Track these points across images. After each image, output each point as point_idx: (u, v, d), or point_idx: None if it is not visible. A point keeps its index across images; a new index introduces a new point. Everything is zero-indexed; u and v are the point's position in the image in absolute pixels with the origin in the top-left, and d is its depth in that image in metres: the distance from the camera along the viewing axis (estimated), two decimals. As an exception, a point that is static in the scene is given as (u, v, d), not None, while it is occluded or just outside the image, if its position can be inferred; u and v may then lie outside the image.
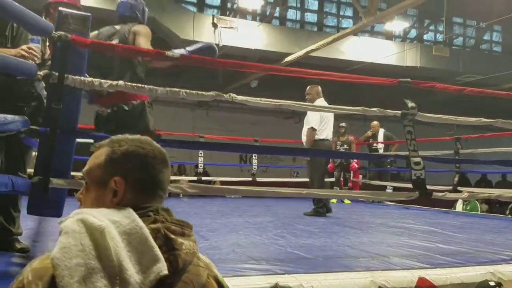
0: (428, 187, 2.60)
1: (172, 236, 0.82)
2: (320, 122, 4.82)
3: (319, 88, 5.01)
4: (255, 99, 2.45)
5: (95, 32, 2.69)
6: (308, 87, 5.01)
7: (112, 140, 0.93)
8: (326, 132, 4.89)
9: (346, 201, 7.09)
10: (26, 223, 3.40)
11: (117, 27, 2.74)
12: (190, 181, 7.34)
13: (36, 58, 2.13)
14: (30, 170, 2.20)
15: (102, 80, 2.18)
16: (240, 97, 2.40)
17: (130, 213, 0.81)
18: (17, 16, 1.89)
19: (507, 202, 7.85)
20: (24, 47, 2.11)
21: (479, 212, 7.16)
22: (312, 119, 4.83)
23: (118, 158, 0.90)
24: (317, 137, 4.83)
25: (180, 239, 0.83)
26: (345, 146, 7.16)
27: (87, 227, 0.75)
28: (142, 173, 0.90)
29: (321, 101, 4.85)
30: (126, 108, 2.57)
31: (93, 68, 2.44)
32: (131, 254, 0.75)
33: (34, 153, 2.39)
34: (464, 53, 12.26)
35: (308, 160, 5.14)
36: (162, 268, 0.76)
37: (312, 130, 4.83)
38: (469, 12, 11.90)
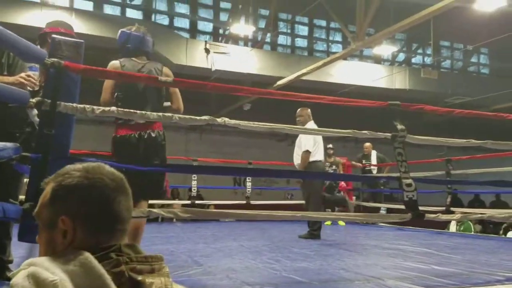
0: (421, 208, 2.61)
1: (139, 277, 0.75)
2: (313, 144, 4.87)
3: (309, 110, 5.08)
4: (248, 123, 2.47)
5: (117, 65, 2.64)
6: (299, 109, 5.06)
7: (58, 173, 0.84)
8: (318, 154, 4.93)
9: (341, 222, 7.07)
10: (18, 251, 3.35)
11: (140, 61, 2.71)
12: (183, 205, 7.29)
13: (35, 86, 2.14)
14: (22, 197, 2.18)
15: (94, 107, 2.20)
16: (233, 121, 2.42)
17: (87, 259, 0.72)
18: (10, 43, 1.91)
19: (500, 222, 7.87)
20: (23, 74, 2.13)
21: (472, 233, 7.16)
22: (306, 142, 4.88)
23: (62, 194, 0.80)
24: (310, 159, 4.87)
25: (149, 279, 0.76)
26: (333, 167, 7.21)
27: (38, 283, 0.68)
28: (90, 208, 0.79)
29: (312, 124, 4.91)
30: (153, 134, 2.61)
31: (124, 100, 2.52)
32: None
33: (25, 180, 2.38)
34: (452, 75, 12.50)
35: (303, 182, 5.15)
36: None
37: (307, 153, 4.87)
38: (456, 36, 12.19)
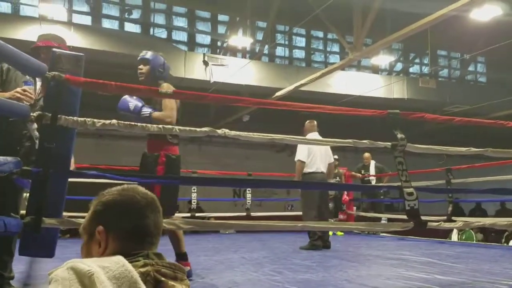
0: (422, 217, 2.60)
1: (163, 279, 0.83)
2: (307, 155, 4.87)
3: (313, 123, 5.09)
4: (248, 134, 2.47)
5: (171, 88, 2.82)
6: (306, 121, 5.10)
7: (101, 192, 0.97)
8: (316, 165, 4.91)
9: (339, 233, 7.06)
10: (18, 266, 3.32)
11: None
12: (183, 217, 7.25)
13: (30, 100, 2.15)
14: (22, 212, 2.17)
15: (95, 120, 2.20)
16: (233, 133, 2.42)
17: (120, 258, 0.81)
18: (11, 58, 1.93)
19: (502, 231, 7.84)
20: (19, 89, 2.13)
21: (474, 241, 7.13)
22: (299, 152, 4.89)
23: (101, 209, 0.93)
24: (306, 170, 4.87)
25: (171, 282, 0.84)
26: (337, 179, 7.22)
27: (77, 273, 0.76)
28: (123, 221, 0.91)
29: (313, 135, 4.91)
30: (174, 157, 2.90)
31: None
32: None
33: (25, 194, 2.37)
34: (450, 84, 12.57)
35: (301, 194, 5.14)
36: None
37: (299, 162, 4.87)
38: (453, 45, 12.29)
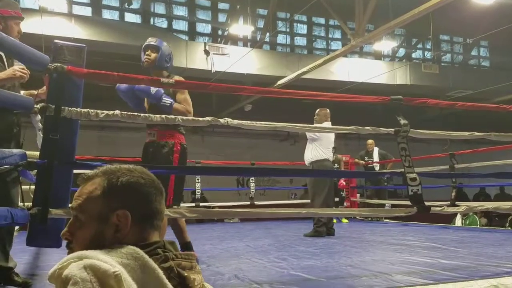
0: (426, 203, 2.61)
1: (185, 274, 0.79)
2: (329, 142, 4.93)
3: (328, 111, 5.07)
4: (251, 122, 2.48)
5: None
6: (318, 109, 5.10)
7: (107, 170, 0.86)
8: (328, 153, 4.95)
9: (344, 220, 7.09)
10: (24, 256, 3.37)
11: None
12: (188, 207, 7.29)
13: (26, 77, 2.15)
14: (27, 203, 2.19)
15: (98, 111, 2.21)
16: (236, 121, 2.43)
17: (139, 253, 0.74)
18: (15, 50, 1.93)
19: (506, 215, 7.85)
20: (17, 67, 2.12)
21: (478, 226, 7.15)
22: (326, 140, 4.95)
23: (120, 190, 0.82)
24: (321, 157, 4.87)
25: (192, 275, 0.80)
26: (336, 165, 7.21)
27: (99, 275, 0.67)
28: (145, 205, 0.84)
29: (327, 124, 4.89)
30: (185, 146, 2.96)
31: None
32: None
33: (30, 186, 2.39)
34: (453, 69, 12.48)
35: (311, 181, 5.14)
36: None
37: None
38: (455, 30, 12.18)
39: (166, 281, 0.73)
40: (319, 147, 4.90)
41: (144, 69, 2.99)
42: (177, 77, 2.87)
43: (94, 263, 0.68)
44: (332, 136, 5.04)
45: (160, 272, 0.73)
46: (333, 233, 4.95)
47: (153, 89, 2.77)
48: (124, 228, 0.81)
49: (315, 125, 4.62)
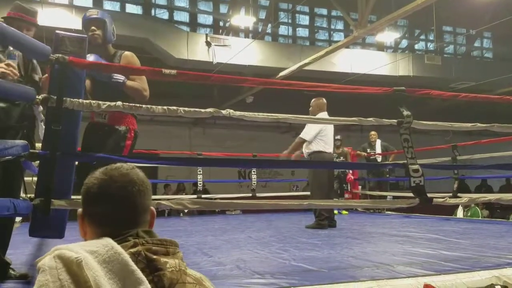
0: (428, 194, 2.61)
1: (154, 256, 0.81)
2: (314, 135, 4.83)
3: (323, 100, 4.98)
4: (253, 114, 2.47)
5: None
6: (313, 99, 5.01)
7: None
8: (323, 145, 4.86)
9: (344, 212, 7.10)
10: (27, 248, 3.39)
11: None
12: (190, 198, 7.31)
13: (15, 76, 2.07)
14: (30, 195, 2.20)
15: (100, 102, 2.20)
16: (238, 113, 2.42)
17: (108, 241, 0.80)
18: (15, 40, 1.92)
19: (509, 207, 7.85)
20: (1, 64, 2.08)
21: (480, 218, 7.15)
22: (306, 130, 4.86)
23: (82, 193, 0.92)
24: (317, 148, 4.83)
25: (164, 259, 0.82)
26: (341, 158, 7.22)
27: (64, 261, 0.73)
28: (92, 205, 0.89)
29: (323, 115, 4.82)
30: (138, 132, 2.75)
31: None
32: (113, 281, 0.74)
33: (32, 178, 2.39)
34: (455, 60, 12.42)
35: (310, 173, 5.12)
36: None
37: (300, 139, 4.87)
38: (458, 21, 12.10)
39: (132, 263, 0.77)
40: (316, 139, 4.86)
41: (90, 48, 2.51)
42: (128, 53, 2.73)
43: (61, 253, 0.75)
44: (329, 127, 4.93)
45: (126, 256, 0.77)
46: (334, 224, 4.95)
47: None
48: (80, 228, 0.91)
49: (319, 116, 4.60)
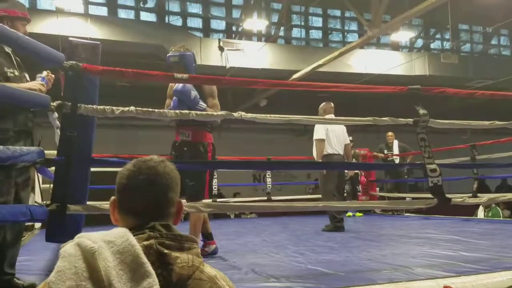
0: (448, 195, 2.55)
1: (166, 251, 0.84)
2: (324, 134, 4.81)
3: (330, 104, 4.98)
4: (264, 115, 2.46)
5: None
6: (321, 104, 5.02)
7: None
8: (333, 146, 4.85)
9: (358, 214, 7.02)
10: (46, 254, 3.44)
11: None
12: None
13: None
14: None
15: (114, 107, 2.22)
16: (249, 115, 2.41)
17: (125, 232, 0.83)
18: (31, 49, 1.96)
19: (530, 207, 7.65)
20: (36, 83, 2.19)
21: (501, 218, 6.98)
22: (317, 132, 4.84)
23: (116, 181, 0.97)
24: (324, 151, 4.81)
25: (176, 254, 0.84)
26: (353, 160, 7.12)
27: (82, 250, 0.78)
28: (120, 194, 0.95)
29: (330, 117, 4.81)
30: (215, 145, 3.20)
31: None
32: (123, 272, 0.77)
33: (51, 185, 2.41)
34: (472, 59, 12.19)
35: (320, 176, 5.09)
36: (152, 283, 0.77)
37: (319, 141, 4.82)
38: (474, 18, 11.88)
39: (143, 256, 0.79)
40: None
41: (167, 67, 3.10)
42: None
43: (80, 241, 0.79)
44: (338, 129, 4.90)
45: (139, 248, 0.80)
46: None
47: (193, 94, 2.95)
48: (111, 214, 0.97)
49: (329, 116, 4.57)
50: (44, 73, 2.33)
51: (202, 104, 2.99)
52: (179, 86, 2.95)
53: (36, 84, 2.20)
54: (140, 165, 0.95)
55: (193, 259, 0.85)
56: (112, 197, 0.96)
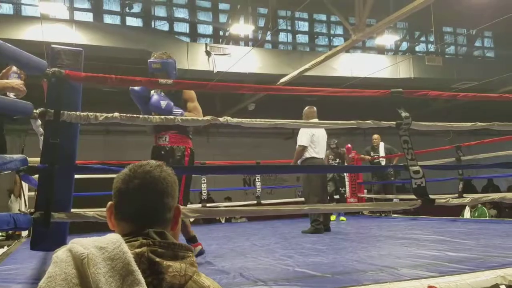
0: (433, 196, 2.59)
1: (157, 259, 0.82)
2: (308, 140, 4.88)
3: (312, 109, 5.06)
4: (250, 120, 2.47)
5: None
6: (305, 108, 5.07)
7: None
8: (318, 150, 4.92)
9: (342, 218, 6.99)
10: (32, 262, 3.39)
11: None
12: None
13: (23, 94, 2.18)
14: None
15: (97, 114, 2.21)
16: (235, 120, 2.43)
17: (117, 238, 0.82)
18: (12, 56, 1.95)
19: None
20: (18, 82, 2.14)
21: (487, 218, 7.08)
22: (301, 137, 4.91)
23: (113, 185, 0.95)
24: (309, 155, 4.88)
25: (168, 262, 0.83)
26: (338, 160, 7.15)
27: (72, 256, 0.77)
28: (116, 199, 0.93)
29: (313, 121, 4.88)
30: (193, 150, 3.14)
31: None
32: (112, 279, 0.76)
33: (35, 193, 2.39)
34: (457, 61, 12.39)
35: (303, 179, 5.15)
36: None
37: (300, 147, 4.90)
38: (458, 21, 12.08)
39: (134, 263, 0.78)
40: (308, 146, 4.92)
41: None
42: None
43: (72, 247, 0.79)
44: (320, 134, 4.97)
45: (130, 256, 0.79)
46: (329, 228, 4.98)
47: (163, 103, 2.91)
48: (108, 219, 0.95)
49: (313, 120, 4.62)
50: (14, 68, 2.29)
51: (177, 110, 2.95)
52: (150, 100, 2.94)
53: (18, 85, 2.15)
54: (136, 169, 0.94)
55: (186, 268, 0.84)
56: (109, 202, 0.95)
